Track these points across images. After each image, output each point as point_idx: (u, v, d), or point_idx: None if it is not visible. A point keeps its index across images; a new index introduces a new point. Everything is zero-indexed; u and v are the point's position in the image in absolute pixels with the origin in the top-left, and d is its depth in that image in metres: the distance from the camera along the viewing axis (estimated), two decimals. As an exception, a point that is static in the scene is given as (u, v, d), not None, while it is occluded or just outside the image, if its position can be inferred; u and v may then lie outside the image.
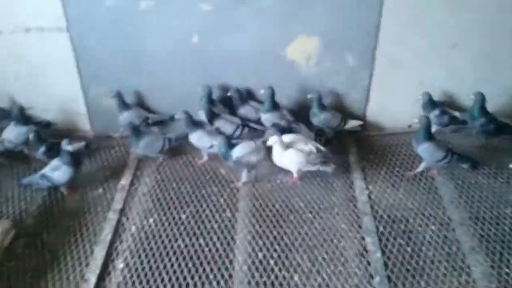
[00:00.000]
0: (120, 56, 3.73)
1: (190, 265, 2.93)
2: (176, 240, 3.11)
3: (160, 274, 2.88)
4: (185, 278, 2.85)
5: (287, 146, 3.36)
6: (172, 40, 3.66)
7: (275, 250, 3.01)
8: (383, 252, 2.98)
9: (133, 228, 3.22)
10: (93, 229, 3.22)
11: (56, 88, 3.90)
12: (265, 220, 3.23)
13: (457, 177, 3.54)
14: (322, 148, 3.45)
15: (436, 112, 3.76)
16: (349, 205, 3.35)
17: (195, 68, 3.80)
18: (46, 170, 3.39)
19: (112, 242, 3.12)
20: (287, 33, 3.63)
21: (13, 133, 3.70)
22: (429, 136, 3.43)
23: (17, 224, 3.26)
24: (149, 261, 2.97)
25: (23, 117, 3.75)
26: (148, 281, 2.84)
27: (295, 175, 3.48)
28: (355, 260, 2.94)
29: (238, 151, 3.37)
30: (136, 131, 3.62)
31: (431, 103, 3.78)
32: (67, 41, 3.67)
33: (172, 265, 2.93)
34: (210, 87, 3.78)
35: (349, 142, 3.96)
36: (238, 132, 3.73)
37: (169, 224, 3.23)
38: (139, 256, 3.01)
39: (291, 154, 3.35)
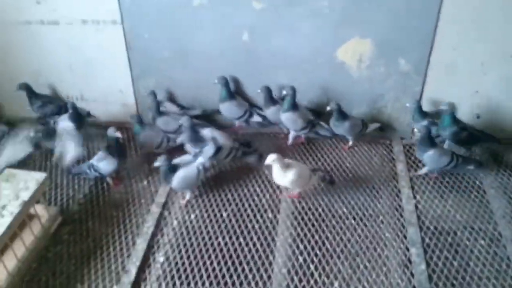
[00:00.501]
0: (170, 50, 3.76)
1: (229, 263, 2.93)
2: (217, 237, 3.11)
3: (199, 270, 2.89)
4: (223, 276, 2.85)
5: (287, 164, 3.18)
6: (222, 37, 3.66)
7: (316, 255, 2.96)
8: (428, 265, 2.88)
9: (175, 223, 3.24)
10: (136, 220, 3.27)
11: (108, 80, 3.97)
12: (307, 223, 3.19)
13: (510, 191, 3.39)
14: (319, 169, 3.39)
15: (425, 122, 3.62)
16: (395, 214, 3.26)
17: (243, 67, 3.78)
18: (93, 160, 3.45)
19: (153, 235, 3.15)
20: (339, 34, 3.55)
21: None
22: (432, 143, 3.40)
23: (64, 211, 3.35)
24: (188, 257, 2.98)
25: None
26: (187, 277, 2.86)
27: (295, 192, 3.39)
28: (398, 270, 2.85)
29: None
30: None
31: (420, 112, 3.67)
32: (121, 33, 3.73)
33: (211, 262, 2.94)
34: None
35: (397, 148, 3.85)
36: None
37: (210, 221, 3.23)
38: (179, 251, 3.03)
39: (294, 174, 3.17)
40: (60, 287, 2.84)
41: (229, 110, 3.87)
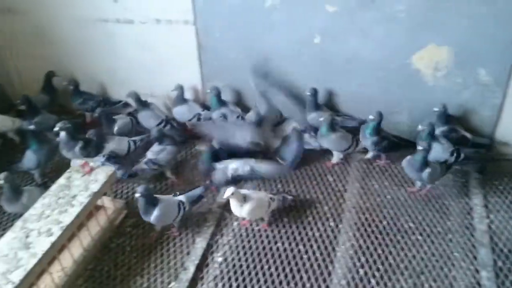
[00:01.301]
0: (241, 52, 3.77)
1: (287, 270, 2.88)
2: (276, 242, 3.07)
3: (256, 274, 2.86)
4: (280, 283, 2.80)
5: (244, 197, 3.02)
6: (293, 39, 3.62)
7: (378, 270, 2.84)
8: (500, 290, 2.69)
9: (235, 224, 3.23)
10: (197, 219, 3.29)
11: (177, 78, 4.03)
12: (370, 236, 3.07)
13: None
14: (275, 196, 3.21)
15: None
16: (465, 232, 3.07)
17: (313, 69, 3.73)
18: (149, 156, 3.52)
19: (213, 235, 3.16)
20: (415, 40, 3.40)
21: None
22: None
23: (129, 205, 3.43)
24: (246, 259, 2.96)
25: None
26: (244, 279, 2.83)
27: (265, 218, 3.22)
28: (466, 293, 2.68)
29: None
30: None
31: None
32: (193, 33, 3.79)
33: (269, 267, 2.89)
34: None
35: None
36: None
37: (270, 224, 3.19)
38: (238, 253, 3.01)
39: (251, 205, 3.02)
40: (121, 277, 2.91)
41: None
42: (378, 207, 3.28)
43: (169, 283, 2.84)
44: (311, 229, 3.15)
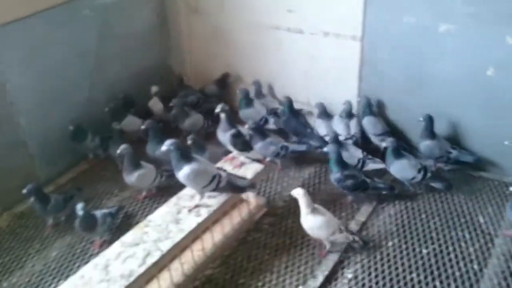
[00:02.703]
0: (404, 73, 3.70)
1: (419, 303, 2.75)
2: (411, 272, 2.94)
3: (385, 299, 2.78)
4: (409, 315, 2.69)
5: (314, 208, 2.94)
6: (464, 68, 3.45)
7: (522, 327, 2.58)
8: None
9: (371, 244, 3.18)
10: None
11: (335, 91, 4.09)
12: (519, 288, 2.80)
13: None
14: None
15: None
16: None
17: (481, 102, 3.50)
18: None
19: (346, 250, 3.14)
20: None
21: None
22: None
23: (270, 203, 3.57)
24: (377, 282, 2.89)
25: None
26: (371, 302, 2.78)
27: (326, 246, 3.05)
28: None
29: None
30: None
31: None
32: (358, 49, 3.81)
33: (399, 296, 2.80)
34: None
35: None
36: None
37: (408, 254, 3.08)
38: (369, 273, 2.96)
39: (316, 221, 2.94)
40: (252, 270, 3.04)
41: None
42: (534, 259, 2.97)
43: (297, 286, 2.90)
44: (451, 267, 2.96)
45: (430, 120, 3.58)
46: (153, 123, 3.75)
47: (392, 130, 3.91)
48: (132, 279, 2.55)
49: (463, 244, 3.12)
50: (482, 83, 3.43)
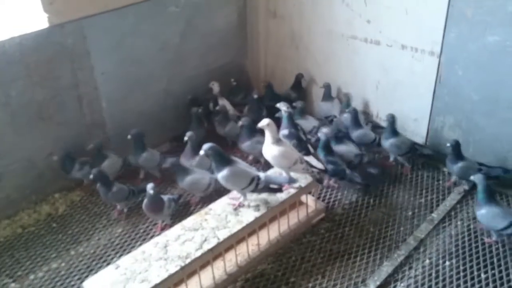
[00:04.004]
0: (480, 94, 3.59)
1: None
2: (468, 295, 2.87)
3: (436, 318, 2.72)
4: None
5: (278, 139, 3.12)
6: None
7: None
8: None
9: (427, 262, 3.12)
10: (389, 244, 3.27)
11: (406, 106, 4.05)
12: None
13: None
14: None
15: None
16: None
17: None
18: None
19: (402, 264, 3.11)
20: None
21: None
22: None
23: (329, 209, 3.59)
24: (430, 300, 2.84)
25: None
26: (421, 318, 2.73)
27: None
28: None
29: None
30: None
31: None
32: (434, 65, 3.75)
33: (452, 317, 2.73)
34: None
35: None
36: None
37: (465, 276, 2.99)
38: (423, 291, 2.91)
39: (279, 151, 3.09)
40: (304, 270, 3.09)
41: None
42: None
43: (347, 292, 2.91)
44: (513, 294, 2.86)
45: (457, 145, 3.61)
46: (137, 132, 3.79)
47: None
48: (188, 261, 2.67)
49: (533, 274, 2.99)
50: None
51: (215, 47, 4.64)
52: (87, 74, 3.77)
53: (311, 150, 3.46)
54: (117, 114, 4.05)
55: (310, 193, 3.49)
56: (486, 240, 3.25)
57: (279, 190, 3.15)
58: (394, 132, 3.88)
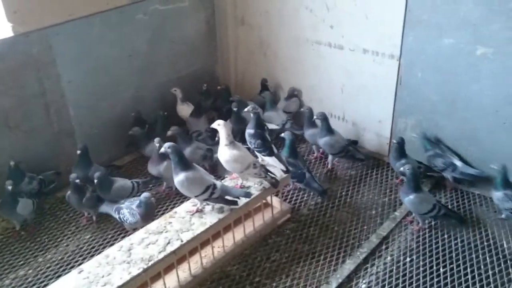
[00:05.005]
0: (440, 95, 3.71)
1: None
2: (425, 288, 2.96)
3: (395, 313, 2.80)
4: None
5: (232, 141, 3.11)
6: (499, 92, 3.42)
7: None
8: None
9: (389, 258, 3.21)
10: (353, 243, 3.35)
11: (370, 108, 4.15)
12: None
13: None
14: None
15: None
16: None
17: (512, 130, 3.48)
18: None
19: (364, 262, 3.18)
20: None
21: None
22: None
23: (294, 211, 3.66)
24: (390, 295, 2.92)
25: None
26: (381, 313, 2.80)
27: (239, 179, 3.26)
28: None
29: None
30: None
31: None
32: (395, 68, 3.85)
33: (410, 311, 2.81)
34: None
35: None
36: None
37: (424, 271, 3.08)
38: (383, 286, 2.99)
39: (232, 156, 3.09)
40: (268, 270, 3.15)
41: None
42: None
43: (309, 289, 2.98)
44: (467, 287, 2.94)
45: (402, 143, 3.78)
46: (83, 146, 3.75)
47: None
48: (151, 263, 2.71)
49: (482, 267, 3.08)
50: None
51: (184, 54, 4.71)
52: (53, 82, 3.79)
53: (275, 150, 3.50)
54: (86, 122, 4.08)
55: (276, 194, 3.56)
56: (414, 227, 3.43)
57: (235, 203, 3.11)
58: (329, 131, 4.02)
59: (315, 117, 4.06)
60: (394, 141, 3.78)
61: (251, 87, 4.93)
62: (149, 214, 3.30)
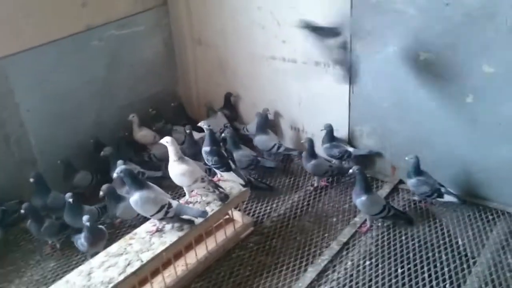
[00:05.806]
0: (390, 101, 3.83)
1: (388, 321, 2.82)
2: (384, 290, 3.03)
3: (356, 316, 2.87)
4: (378, 331, 2.76)
5: (181, 157, 3.21)
6: (444, 95, 3.56)
7: None
8: None
9: (349, 264, 3.28)
10: (314, 250, 3.42)
11: (327, 118, 4.24)
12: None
13: None
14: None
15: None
16: None
17: (461, 129, 3.59)
18: None
19: (325, 269, 3.25)
20: None
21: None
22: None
23: (257, 223, 3.72)
24: (350, 299, 2.98)
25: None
26: (342, 317, 2.86)
27: (186, 194, 3.35)
28: None
29: None
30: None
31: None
32: (346, 78, 3.98)
33: (370, 313, 2.88)
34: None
35: None
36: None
37: (383, 273, 3.16)
38: (344, 291, 3.06)
39: (183, 169, 3.19)
40: (232, 284, 3.19)
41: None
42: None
43: (272, 300, 3.02)
44: (424, 285, 3.03)
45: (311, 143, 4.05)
46: (37, 174, 3.76)
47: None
48: (110, 286, 2.73)
49: (438, 265, 3.18)
50: (462, 110, 3.53)
51: (144, 77, 4.77)
52: (12, 112, 3.82)
53: (233, 166, 3.56)
54: (47, 149, 4.09)
55: (237, 208, 3.62)
56: (362, 229, 3.56)
57: (191, 222, 3.14)
58: (263, 131, 4.38)
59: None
60: (302, 141, 4.13)
61: (215, 105, 4.98)
62: (94, 237, 3.28)
